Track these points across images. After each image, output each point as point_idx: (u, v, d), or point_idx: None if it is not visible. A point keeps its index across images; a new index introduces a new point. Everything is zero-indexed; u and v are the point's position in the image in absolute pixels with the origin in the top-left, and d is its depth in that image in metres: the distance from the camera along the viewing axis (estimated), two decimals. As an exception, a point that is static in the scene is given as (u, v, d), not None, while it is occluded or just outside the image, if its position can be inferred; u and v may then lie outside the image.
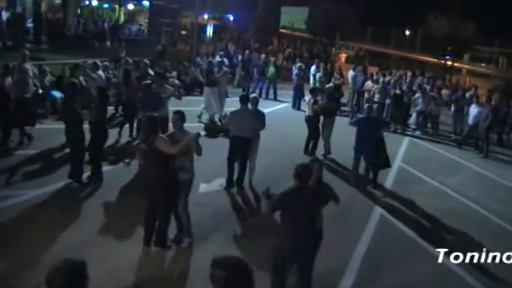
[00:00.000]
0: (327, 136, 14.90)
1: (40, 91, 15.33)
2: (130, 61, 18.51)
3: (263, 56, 27.93)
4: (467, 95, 22.06)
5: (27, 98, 13.32)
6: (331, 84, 17.86)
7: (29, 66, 15.74)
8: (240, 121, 11.39)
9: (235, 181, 11.52)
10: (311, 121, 14.87)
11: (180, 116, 8.53)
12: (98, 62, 17.00)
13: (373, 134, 12.49)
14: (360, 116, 16.15)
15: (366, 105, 15.58)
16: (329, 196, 7.12)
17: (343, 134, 14.85)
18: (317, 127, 14.76)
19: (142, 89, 12.95)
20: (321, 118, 14.75)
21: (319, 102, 15.10)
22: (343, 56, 41.39)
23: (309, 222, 6.68)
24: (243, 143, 11.32)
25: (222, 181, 11.58)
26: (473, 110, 18.67)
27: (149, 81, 13.25)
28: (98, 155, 10.91)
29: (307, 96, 15.83)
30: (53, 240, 8.22)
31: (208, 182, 11.45)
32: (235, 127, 11.50)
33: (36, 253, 7.78)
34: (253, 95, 12.24)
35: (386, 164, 12.85)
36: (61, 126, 13.85)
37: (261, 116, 11.68)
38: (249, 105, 11.55)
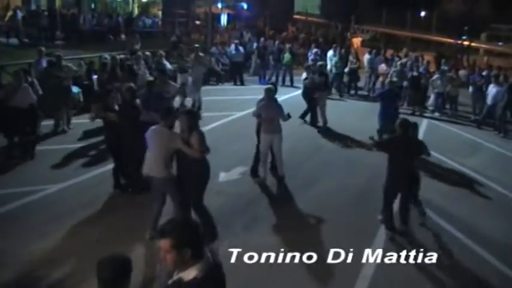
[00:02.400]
0: (322, 107, 16.55)
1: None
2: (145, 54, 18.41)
3: (277, 42, 27.89)
4: (484, 73, 21.84)
5: (23, 108, 11.56)
6: (321, 63, 18.90)
7: (45, 63, 15.86)
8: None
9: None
10: (305, 95, 16.85)
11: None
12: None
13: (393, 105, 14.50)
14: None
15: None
16: (425, 149, 9.23)
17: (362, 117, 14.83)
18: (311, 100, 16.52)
19: (145, 87, 11.81)
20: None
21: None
22: (358, 40, 41.08)
23: (410, 165, 8.96)
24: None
25: (241, 169, 11.63)
26: (492, 89, 18.50)
27: (151, 79, 12.22)
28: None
29: (304, 73, 17.48)
30: (80, 233, 8.37)
31: (228, 171, 11.50)
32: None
33: (65, 245, 7.93)
34: (267, 86, 11.92)
35: None
36: (81, 120, 14.10)
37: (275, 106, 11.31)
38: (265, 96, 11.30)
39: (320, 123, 16.43)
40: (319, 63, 18.83)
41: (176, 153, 8.11)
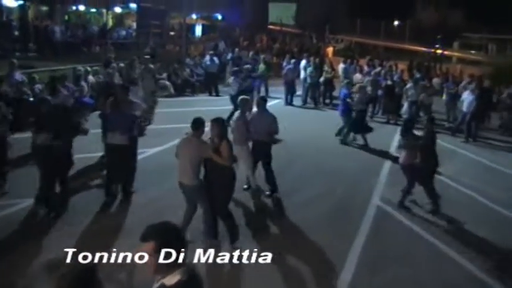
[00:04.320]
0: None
1: (31, 99, 15.22)
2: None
3: (251, 53, 27.93)
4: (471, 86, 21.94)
5: None
6: (247, 66, 19.99)
7: (18, 74, 15.63)
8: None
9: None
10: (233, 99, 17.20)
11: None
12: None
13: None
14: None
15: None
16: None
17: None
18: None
19: (109, 107, 10.64)
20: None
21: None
22: (330, 50, 41.30)
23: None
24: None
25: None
26: (467, 97, 18.64)
27: (112, 99, 10.81)
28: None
29: (232, 77, 18.69)
30: (52, 246, 8.24)
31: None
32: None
33: (36, 260, 7.81)
34: (242, 96, 11.76)
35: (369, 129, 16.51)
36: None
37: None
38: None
39: None
40: (246, 66, 19.75)
41: (205, 160, 8.32)
